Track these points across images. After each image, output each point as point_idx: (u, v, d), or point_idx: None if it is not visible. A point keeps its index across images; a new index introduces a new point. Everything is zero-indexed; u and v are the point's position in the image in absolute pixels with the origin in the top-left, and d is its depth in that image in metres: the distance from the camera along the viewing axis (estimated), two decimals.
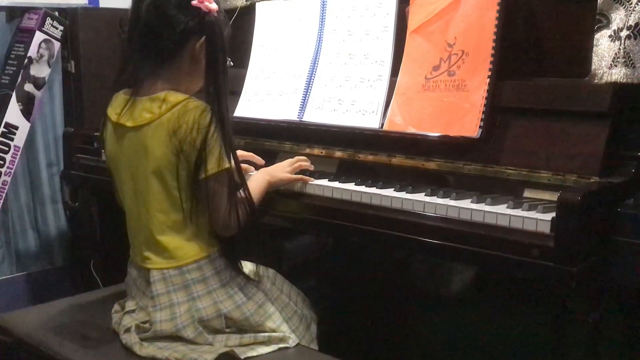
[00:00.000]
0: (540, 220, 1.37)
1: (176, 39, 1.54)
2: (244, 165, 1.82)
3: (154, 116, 1.52)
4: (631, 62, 1.48)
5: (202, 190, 1.54)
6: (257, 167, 1.87)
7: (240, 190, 1.58)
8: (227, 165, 1.52)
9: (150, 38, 1.55)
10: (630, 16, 1.49)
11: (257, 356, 1.56)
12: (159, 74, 1.57)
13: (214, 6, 1.55)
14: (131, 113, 1.56)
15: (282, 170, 1.77)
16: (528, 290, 1.72)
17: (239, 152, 1.80)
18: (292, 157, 1.83)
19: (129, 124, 1.56)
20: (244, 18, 2.23)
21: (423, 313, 2.15)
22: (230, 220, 1.54)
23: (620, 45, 1.50)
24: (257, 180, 1.70)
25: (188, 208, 1.54)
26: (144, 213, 1.57)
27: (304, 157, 1.83)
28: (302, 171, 1.80)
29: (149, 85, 1.56)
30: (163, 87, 1.56)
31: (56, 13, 2.84)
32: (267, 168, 1.79)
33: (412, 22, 1.86)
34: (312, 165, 1.82)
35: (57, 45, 2.84)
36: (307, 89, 2.03)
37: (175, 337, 1.54)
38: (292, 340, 1.62)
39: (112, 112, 1.61)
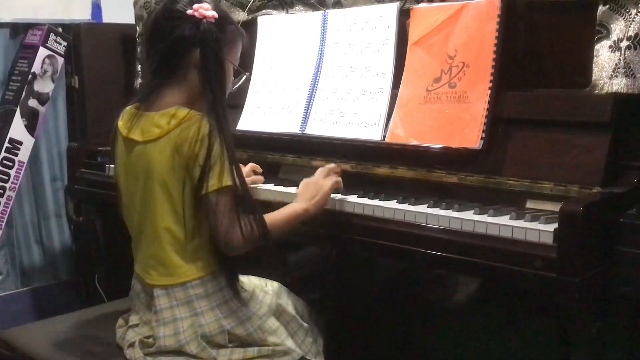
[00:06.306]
0: (542, 231, 1.37)
1: (174, 50, 1.53)
2: (254, 177, 1.83)
3: (163, 131, 1.51)
4: (631, 73, 1.49)
5: (203, 207, 1.52)
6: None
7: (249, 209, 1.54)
8: (228, 182, 1.49)
9: (152, 50, 1.55)
10: (630, 27, 1.49)
11: None
12: (169, 87, 1.56)
13: (209, 13, 1.52)
14: (140, 127, 1.55)
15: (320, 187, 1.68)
16: (531, 301, 1.72)
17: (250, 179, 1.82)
18: (295, 170, 1.82)
19: (138, 138, 1.55)
20: (246, 32, 2.24)
21: (428, 324, 2.14)
22: (233, 238, 1.51)
23: (620, 55, 1.50)
24: (289, 210, 1.63)
25: (191, 225, 1.53)
26: (150, 229, 1.56)
27: (334, 165, 1.77)
28: None
29: (160, 100, 1.55)
30: (175, 101, 1.54)
31: (59, 29, 2.86)
32: (304, 194, 1.67)
33: (413, 35, 1.87)
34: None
35: (60, 60, 2.86)
36: (309, 102, 2.04)
37: (179, 352, 1.53)
38: (297, 354, 1.62)
39: (123, 126, 1.60)
